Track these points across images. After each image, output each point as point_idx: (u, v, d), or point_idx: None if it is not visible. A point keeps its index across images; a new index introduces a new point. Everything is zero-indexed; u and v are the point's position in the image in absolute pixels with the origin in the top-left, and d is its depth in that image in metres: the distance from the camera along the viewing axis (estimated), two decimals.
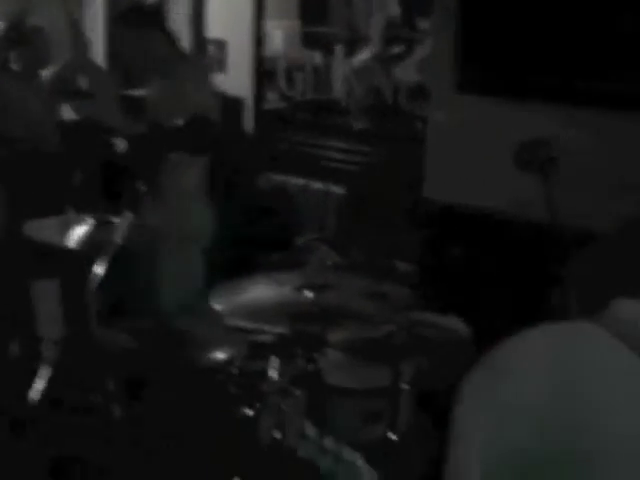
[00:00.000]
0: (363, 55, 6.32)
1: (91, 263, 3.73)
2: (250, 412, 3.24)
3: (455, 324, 3.65)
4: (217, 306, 3.10)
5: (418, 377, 3.30)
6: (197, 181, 4.49)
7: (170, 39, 4.68)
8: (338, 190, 5.97)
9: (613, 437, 1.65)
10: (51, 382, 3.74)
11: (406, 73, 6.02)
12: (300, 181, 6.27)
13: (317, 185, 6.17)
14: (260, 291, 3.17)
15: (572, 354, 1.74)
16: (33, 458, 3.53)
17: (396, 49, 6.13)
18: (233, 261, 4.50)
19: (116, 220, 3.78)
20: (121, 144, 4.68)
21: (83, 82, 5.41)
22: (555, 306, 1.90)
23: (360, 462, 2.37)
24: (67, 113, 5.40)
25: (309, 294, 3.06)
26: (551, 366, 1.73)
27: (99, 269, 3.65)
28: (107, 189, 4.76)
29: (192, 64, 5.01)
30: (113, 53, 6.08)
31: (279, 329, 3.20)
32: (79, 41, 6.27)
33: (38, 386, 3.75)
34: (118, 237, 3.58)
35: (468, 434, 1.76)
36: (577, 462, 1.65)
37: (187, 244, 4.41)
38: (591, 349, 1.74)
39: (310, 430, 2.45)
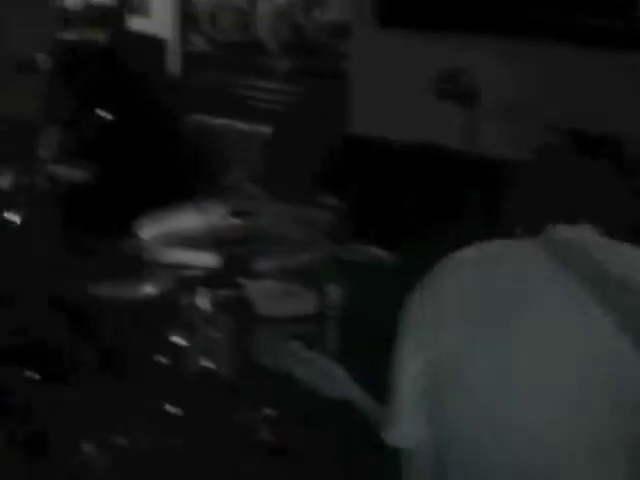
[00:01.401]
0: None
1: None
2: (181, 342, 3.28)
3: (379, 252, 3.70)
4: (144, 236, 3.13)
5: (345, 302, 3.35)
6: None
7: None
8: (264, 130, 5.98)
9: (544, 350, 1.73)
10: None
11: (327, 10, 6.02)
12: (226, 122, 6.27)
13: (243, 125, 6.18)
14: (187, 219, 3.20)
15: (505, 267, 1.83)
16: None
17: None
18: (160, 194, 4.51)
19: None
20: None
21: None
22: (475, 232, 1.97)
23: (336, 367, 2.44)
24: None
25: (236, 220, 3.10)
26: (484, 279, 1.82)
27: None
28: None
29: None
30: None
31: (206, 259, 3.23)
32: None
33: None
34: None
35: (408, 341, 1.86)
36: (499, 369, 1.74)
37: None
38: (524, 263, 1.82)
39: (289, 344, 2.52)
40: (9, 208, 3.87)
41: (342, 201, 4.49)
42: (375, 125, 4.84)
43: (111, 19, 7.27)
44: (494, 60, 4.33)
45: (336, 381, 2.45)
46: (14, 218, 3.87)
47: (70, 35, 6.47)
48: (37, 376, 3.40)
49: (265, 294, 3.39)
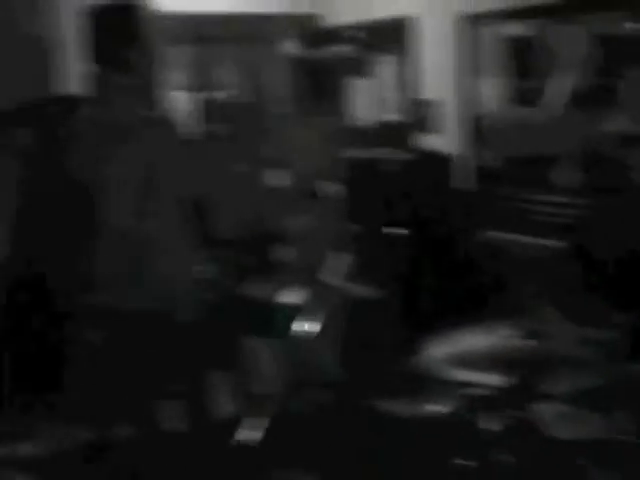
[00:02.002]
0: (571, 106, 6.25)
1: None
2: (465, 463, 3.25)
3: None
4: (432, 353, 3.15)
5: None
6: None
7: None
8: (553, 244, 5.91)
9: None
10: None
11: (616, 121, 5.91)
12: (516, 236, 6.24)
13: (533, 240, 6.13)
14: (475, 339, 3.19)
15: None
16: None
17: (604, 98, 6.03)
18: (447, 313, 4.54)
19: None
20: None
21: None
22: None
23: None
24: None
25: (524, 342, 3.06)
26: None
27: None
28: None
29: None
30: None
31: (493, 379, 3.20)
32: None
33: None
34: None
35: None
36: None
37: None
38: None
39: None
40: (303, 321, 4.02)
41: (635, 320, 4.36)
42: None
43: (403, 136, 7.48)
44: None
45: None
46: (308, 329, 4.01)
47: (362, 153, 6.69)
48: None
49: (554, 417, 3.31)
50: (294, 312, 4.14)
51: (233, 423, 4.21)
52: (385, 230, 5.42)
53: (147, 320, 4.32)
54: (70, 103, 4.94)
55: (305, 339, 4.13)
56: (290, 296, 4.17)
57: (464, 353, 3.17)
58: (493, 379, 3.22)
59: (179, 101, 7.53)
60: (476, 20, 6.77)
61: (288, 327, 4.25)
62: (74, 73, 6.11)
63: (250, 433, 3.95)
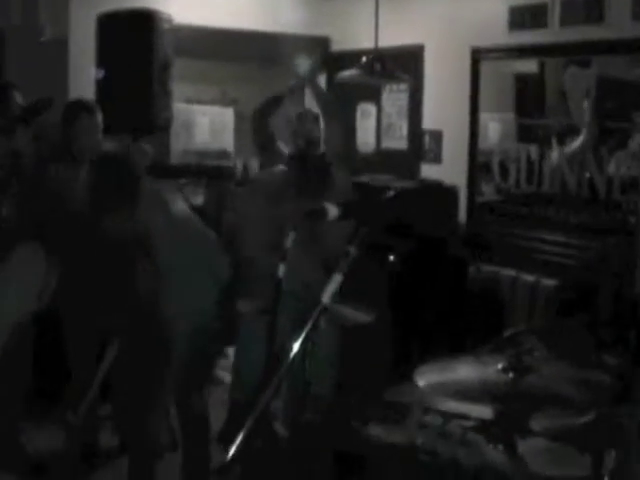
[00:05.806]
0: (575, 147, 6.26)
1: None
2: None
3: None
4: (421, 383, 3.15)
5: (619, 468, 3.23)
6: None
7: None
8: (549, 282, 5.93)
9: None
10: None
11: (620, 165, 5.92)
12: (511, 272, 6.25)
13: (528, 277, 6.15)
14: (463, 370, 3.20)
15: None
16: None
17: (610, 141, 6.04)
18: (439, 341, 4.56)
19: None
20: None
21: None
22: None
23: None
24: None
25: (511, 375, 3.07)
26: None
27: None
28: None
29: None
30: None
31: (479, 411, 3.21)
32: None
33: None
34: None
35: None
36: None
37: None
38: None
39: None
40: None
41: (625, 362, 4.37)
42: None
43: (402, 165, 7.51)
44: None
45: None
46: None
47: (360, 179, 6.71)
48: None
49: (537, 452, 3.32)
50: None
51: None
52: (382, 256, 5.43)
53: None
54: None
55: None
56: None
57: (450, 382, 3.18)
58: (478, 410, 3.23)
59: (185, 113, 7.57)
60: (486, 55, 6.81)
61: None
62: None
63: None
